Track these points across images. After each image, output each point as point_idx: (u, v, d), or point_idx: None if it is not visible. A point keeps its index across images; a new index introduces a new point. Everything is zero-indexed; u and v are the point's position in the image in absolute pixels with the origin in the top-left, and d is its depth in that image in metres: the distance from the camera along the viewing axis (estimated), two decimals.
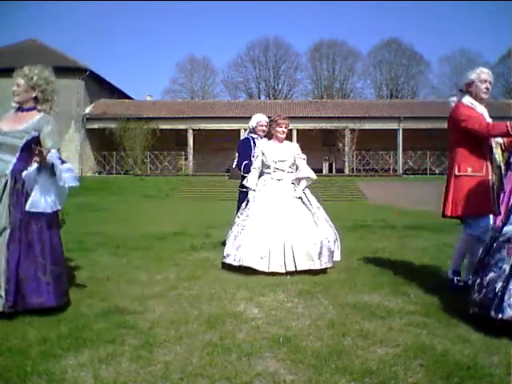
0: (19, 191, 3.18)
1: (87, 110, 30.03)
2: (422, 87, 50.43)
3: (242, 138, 5.69)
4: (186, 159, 30.29)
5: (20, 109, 3.38)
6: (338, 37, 79.86)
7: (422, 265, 4.81)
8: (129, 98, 36.27)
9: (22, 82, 3.32)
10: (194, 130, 29.89)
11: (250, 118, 5.84)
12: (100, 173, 29.71)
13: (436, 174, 29.19)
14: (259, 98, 48.84)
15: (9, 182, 3.20)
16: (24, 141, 3.29)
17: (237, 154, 5.66)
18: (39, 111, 3.36)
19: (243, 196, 5.18)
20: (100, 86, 31.79)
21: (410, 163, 30.10)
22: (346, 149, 29.70)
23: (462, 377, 2.19)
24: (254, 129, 5.63)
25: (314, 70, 50.39)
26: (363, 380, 2.17)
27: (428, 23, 73.76)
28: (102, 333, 2.74)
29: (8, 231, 3.11)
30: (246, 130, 6.03)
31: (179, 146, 30.21)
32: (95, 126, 29.52)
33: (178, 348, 2.55)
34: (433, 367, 2.29)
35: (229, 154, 29.28)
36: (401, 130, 29.74)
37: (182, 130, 29.75)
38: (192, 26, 74.30)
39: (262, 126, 5.57)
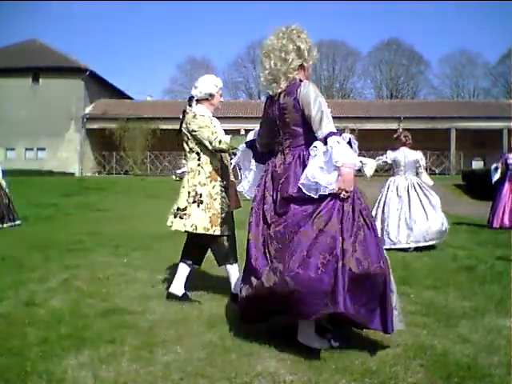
0: None
1: (87, 110, 30.04)
2: (422, 87, 50.48)
3: None
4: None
5: None
6: (338, 37, 79.97)
7: (422, 265, 4.81)
8: (129, 98, 36.27)
9: None
10: None
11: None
12: (100, 173, 29.72)
13: (436, 173, 29.19)
14: (259, 98, 48.77)
15: None
16: None
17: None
18: None
19: None
20: (100, 86, 31.81)
21: None
22: None
23: (462, 377, 2.18)
24: None
25: (314, 70, 50.30)
26: (363, 380, 2.17)
27: (428, 23, 73.80)
28: (102, 333, 2.74)
29: None
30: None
31: (179, 146, 30.18)
32: (95, 126, 29.52)
33: (177, 348, 2.54)
34: (433, 367, 2.28)
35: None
36: (401, 130, 29.69)
37: None
38: (192, 26, 74.45)
39: None
